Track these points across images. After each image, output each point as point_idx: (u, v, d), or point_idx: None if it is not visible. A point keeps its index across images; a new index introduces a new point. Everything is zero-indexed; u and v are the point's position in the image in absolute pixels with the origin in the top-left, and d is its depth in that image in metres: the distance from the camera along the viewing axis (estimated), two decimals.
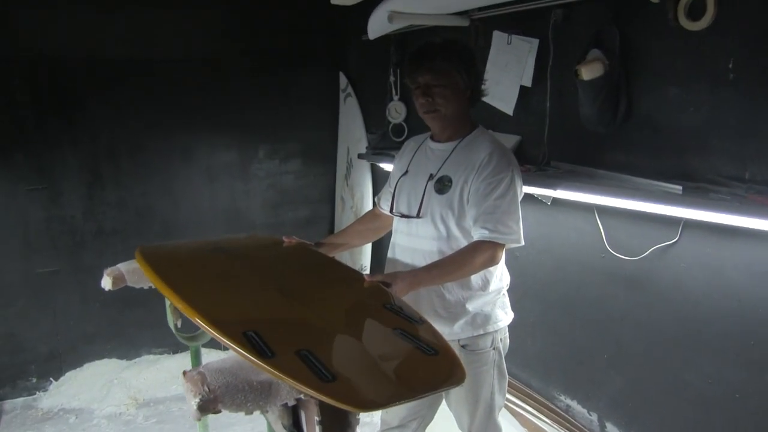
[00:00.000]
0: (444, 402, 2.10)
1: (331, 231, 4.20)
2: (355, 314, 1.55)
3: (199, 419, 1.27)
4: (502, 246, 1.84)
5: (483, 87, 1.96)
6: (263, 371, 1.23)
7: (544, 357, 2.69)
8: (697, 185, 1.87)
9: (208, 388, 1.27)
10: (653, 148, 2.05)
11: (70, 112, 3.34)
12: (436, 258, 1.89)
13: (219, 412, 1.29)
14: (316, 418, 1.29)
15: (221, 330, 1.34)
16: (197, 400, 1.25)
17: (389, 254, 2.08)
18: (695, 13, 1.84)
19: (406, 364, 1.31)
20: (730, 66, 1.80)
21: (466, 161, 1.88)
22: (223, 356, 1.31)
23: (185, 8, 3.51)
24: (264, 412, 1.34)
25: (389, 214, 2.08)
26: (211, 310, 1.45)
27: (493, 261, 1.84)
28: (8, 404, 3.42)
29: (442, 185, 1.90)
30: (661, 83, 2.00)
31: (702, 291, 1.97)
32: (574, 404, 2.55)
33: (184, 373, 1.32)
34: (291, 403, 1.32)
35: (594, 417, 2.47)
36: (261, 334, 1.32)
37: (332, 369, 1.21)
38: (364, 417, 2.94)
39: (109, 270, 2.08)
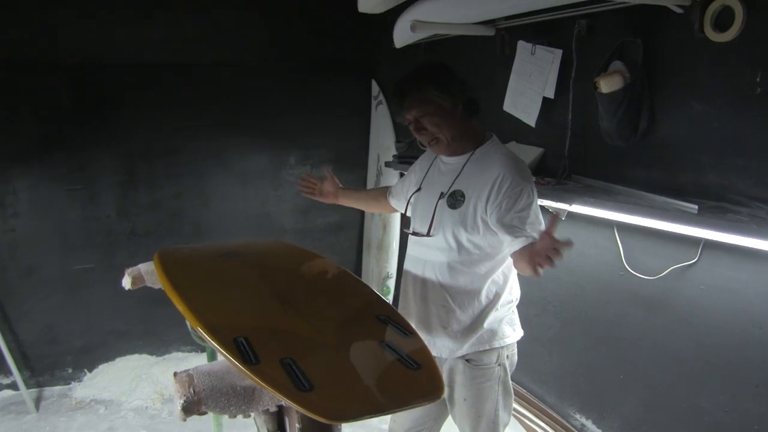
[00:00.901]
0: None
1: (360, 237, 4.22)
2: (346, 325, 1.55)
3: (185, 420, 1.30)
4: None
5: (473, 95, 1.87)
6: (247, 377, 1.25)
7: (561, 374, 2.62)
8: (718, 204, 1.79)
9: (194, 390, 1.30)
10: (674, 165, 1.98)
11: (107, 114, 3.46)
12: (445, 270, 1.87)
13: (204, 414, 1.32)
14: (297, 425, 1.30)
15: (213, 335, 1.37)
16: (182, 401, 1.28)
17: (404, 265, 2.07)
18: (722, 24, 1.77)
19: (385, 377, 1.30)
20: (758, 80, 1.72)
21: (480, 176, 1.83)
22: None
23: (221, 15, 3.60)
24: (246, 416, 1.36)
25: (404, 231, 2.08)
26: (208, 315, 1.48)
27: None
28: (47, 391, 3.60)
29: (455, 200, 1.87)
30: (685, 97, 1.93)
31: (721, 315, 1.89)
32: (589, 424, 2.47)
33: (175, 374, 1.36)
34: (272, 409, 1.33)
35: None
36: (251, 340, 1.34)
37: (312, 378, 1.21)
38: (376, 424, 2.94)
39: (129, 270, 2.15)
